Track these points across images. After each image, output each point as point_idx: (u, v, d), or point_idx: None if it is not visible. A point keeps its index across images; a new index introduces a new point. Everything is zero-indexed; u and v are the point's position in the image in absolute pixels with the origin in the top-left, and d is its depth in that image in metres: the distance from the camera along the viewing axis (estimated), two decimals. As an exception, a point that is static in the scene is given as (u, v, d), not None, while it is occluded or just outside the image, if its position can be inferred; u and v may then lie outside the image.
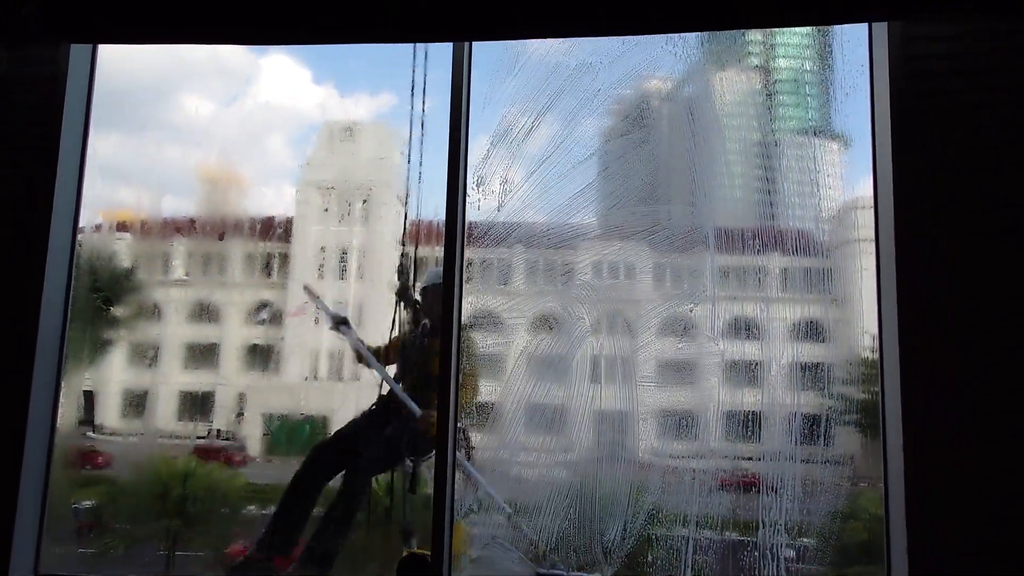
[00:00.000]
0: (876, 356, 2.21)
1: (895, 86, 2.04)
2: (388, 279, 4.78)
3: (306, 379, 4.61)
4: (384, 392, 3.09)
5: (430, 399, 2.84)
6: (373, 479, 3.10)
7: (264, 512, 4.37)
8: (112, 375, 4.23)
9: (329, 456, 3.01)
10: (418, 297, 3.06)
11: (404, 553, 2.55)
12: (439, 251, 3.58)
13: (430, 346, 2.95)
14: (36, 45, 2.22)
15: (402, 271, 2.98)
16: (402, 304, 3.09)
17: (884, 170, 2.08)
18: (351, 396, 4.66)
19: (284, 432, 4.66)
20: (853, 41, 2.32)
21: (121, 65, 2.91)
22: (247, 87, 4.83)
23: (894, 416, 1.99)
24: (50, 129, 2.22)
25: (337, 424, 4.51)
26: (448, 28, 2.00)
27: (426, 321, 2.99)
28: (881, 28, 2.14)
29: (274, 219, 4.48)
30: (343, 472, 2.92)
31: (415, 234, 3.16)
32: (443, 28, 2.00)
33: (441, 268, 2.59)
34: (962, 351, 1.93)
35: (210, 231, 4.31)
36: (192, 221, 4.32)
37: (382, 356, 3.15)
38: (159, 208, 4.24)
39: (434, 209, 3.94)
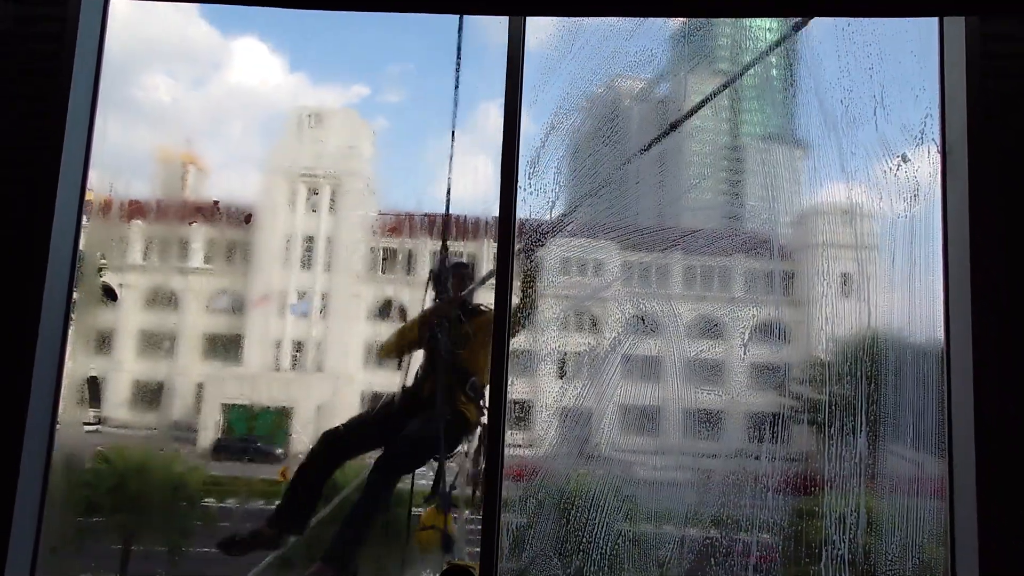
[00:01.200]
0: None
1: (972, 84, 2.00)
2: (355, 268, 4.74)
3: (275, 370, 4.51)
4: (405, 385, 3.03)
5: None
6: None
7: (222, 505, 4.24)
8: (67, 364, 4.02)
9: (337, 444, 2.90)
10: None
11: (445, 566, 2.42)
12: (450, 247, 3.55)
13: (458, 282, 3.01)
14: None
15: (443, 258, 3.02)
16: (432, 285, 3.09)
17: (957, 169, 2.04)
18: (315, 387, 4.58)
19: (245, 422, 4.54)
20: (923, 40, 2.26)
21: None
22: (216, 72, 4.70)
23: (963, 420, 1.97)
24: (59, 89, 2.09)
25: (301, 414, 4.44)
26: (505, 2, 1.96)
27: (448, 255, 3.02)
28: (955, 28, 2.09)
29: (239, 206, 4.36)
30: (368, 473, 2.82)
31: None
32: (499, 2, 1.96)
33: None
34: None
35: (174, 215, 4.16)
36: (157, 204, 4.16)
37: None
38: (121, 190, 4.06)
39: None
